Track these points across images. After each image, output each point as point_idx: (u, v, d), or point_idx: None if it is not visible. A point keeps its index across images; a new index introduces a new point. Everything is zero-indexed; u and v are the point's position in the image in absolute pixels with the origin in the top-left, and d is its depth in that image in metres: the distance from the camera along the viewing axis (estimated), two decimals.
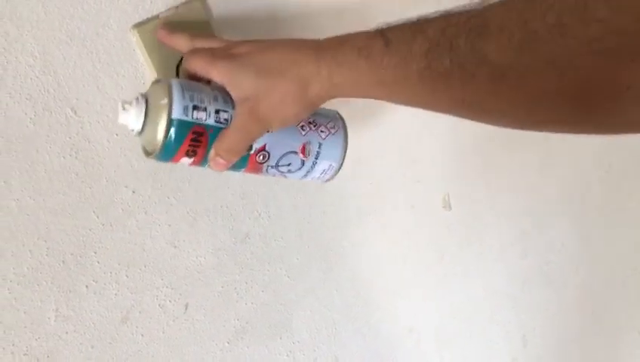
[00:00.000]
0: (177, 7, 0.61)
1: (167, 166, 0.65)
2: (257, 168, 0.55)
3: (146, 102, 0.51)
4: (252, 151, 0.54)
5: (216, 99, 0.52)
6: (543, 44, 0.37)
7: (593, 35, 0.35)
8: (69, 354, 0.62)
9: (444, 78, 0.42)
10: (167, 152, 0.50)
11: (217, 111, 0.51)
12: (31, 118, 0.56)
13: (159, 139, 0.49)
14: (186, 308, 0.70)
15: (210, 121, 0.50)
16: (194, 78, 0.54)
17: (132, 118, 0.51)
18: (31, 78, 0.55)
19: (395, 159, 0.89)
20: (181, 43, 0.57)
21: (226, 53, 0.53)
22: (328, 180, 0.60)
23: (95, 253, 0.62)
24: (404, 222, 0.94)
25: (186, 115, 0.49)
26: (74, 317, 0.62)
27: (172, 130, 0.49)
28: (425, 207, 0.96)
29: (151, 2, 0.60)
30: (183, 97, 0.50)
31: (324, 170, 0.58)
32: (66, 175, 0.59)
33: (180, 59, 0.62)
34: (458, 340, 1.12)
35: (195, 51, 0.55)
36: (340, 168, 0.59)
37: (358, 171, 0.84)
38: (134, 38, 0.59)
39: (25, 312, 0.59)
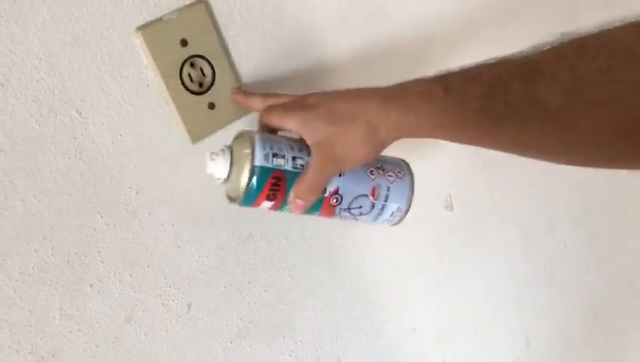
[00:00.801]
0: (181, 9, 0.62)
1: (169, 167, 0.65)
2: (331, 211, 0.59)
3: (231, 152, 0.56)
4: (326, 195, 0.57)
5: (292, 147, 0.56)
6: (592, 87, 0.40)
7: (638, 77, 0.37)
8: (73, 353, 0.63)
9: (499, 119, 0.46)
10: (250, 197, 0.55)
11: (294, 158, 0.56)
12: (36, 120, 0.57)
13: (243, 185, 0.54)
14: (189, 308, 0.71)
15: (288, 167, 0.55)
16: (270, 131, 0.60)
17: (219, 168, 0.56)
18: (36, 80, 0.56)
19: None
20: (256, 102, 0.63)
21: (298, 105, 0.58)
22: (397, 223, 0.64)
23: (99, 252, 0.63)
24: (406, 221, 0.94)
25: (267, 162, 0.54)
26: (78, 316, 0.62)
27: (255, 177, 0.54)
28: (427, 208, 0.96)
29: (155, 5, 0.60)
30: (264, 147, 0.55)
31: (392, 212, 0.62)
32: (70, 175, 0.59)
33: (184, 60, 0.63)
34: (460, 340, 1.13)
35: (270, 107, 0.60)
36: (407, 211, 0.63)
37: None
38: (138, 41, 0.60)
39: (30, 311, 0.59)
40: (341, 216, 0.60)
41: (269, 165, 0.54)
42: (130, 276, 0.65)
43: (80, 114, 0.59)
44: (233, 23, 0.66)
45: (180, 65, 0.63)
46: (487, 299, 1.15)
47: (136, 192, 0.64)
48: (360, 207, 0.60)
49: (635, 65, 0.38)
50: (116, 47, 0.59)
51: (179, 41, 0.62)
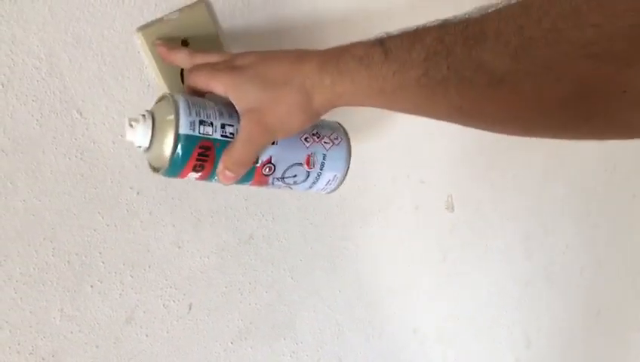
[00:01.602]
0: (181, 9, 0.62)
1: None
2: (264, 181, 0.56)
3: (153, 118, 0.52)
4: (258, 164, 0.54)
5: (221, 113, 0.52)
6: (539, 50, 0.37)
7: (588, 40, 0.35)
8: (74, 354, 0.63)
9: (442, 85, 0.43)
10: (175, 168, 0.51)
11: (223, 126, 0.52)
12: (37, 120, 0.56)
13: (167, 154, 0.50)
14: (190, 308, 0.71)
15: (217, 135, 0.51)
16: (197, 93, 0.55)
17: (139, 135, 0.51)
18: (37, 80, 0.56)
19: (399, 160, 0.89)
20: (181, 59, 0.58)
21: (227, 66, 0.54)
22: (332, 191, 0.61)
23: (100, 253, 0.63)
24: (407, 223, 0.94)
25: (193, 130, 0.50)
26: (79, 316, 0.62)
27: (179, 146, 0.50)
28: (428, 208, 0.96)
29: (155, 5, 0.60)
30: (190, 113, 0.50)
31: (328, 181, 0.59)
32: (71, 176, 0.59)
33: None
34: (462, 341, 1.13)
35: (196, 67, 0.56)
36: (344, 179, 0.60)
37: (362, 172, 0.84)
38: (139, 41, 0.60)
39: (30, 312, 0.59)
40: (274, 185, 0.57)
41: (196, 133, 0.50)
42: (131, 277, 0.65)
43: (81, 114, 0.59)
44: (234, 22, 0.66)
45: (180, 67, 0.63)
46: (488, 299, 1.15)
47: (137, 193, 0.64)
48: (294, 176, 0.57)
49: (583, 27, 0.35)
50: (117, 47, 0.59)
51: (179, 41, 0.62)
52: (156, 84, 0.62)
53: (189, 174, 0.52)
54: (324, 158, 0.58)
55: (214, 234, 0.71)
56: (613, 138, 0.40)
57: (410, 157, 0.91)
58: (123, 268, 0.64)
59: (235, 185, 0.56)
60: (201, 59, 0.57)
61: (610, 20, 0.34)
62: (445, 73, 0.42)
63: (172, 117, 0.50)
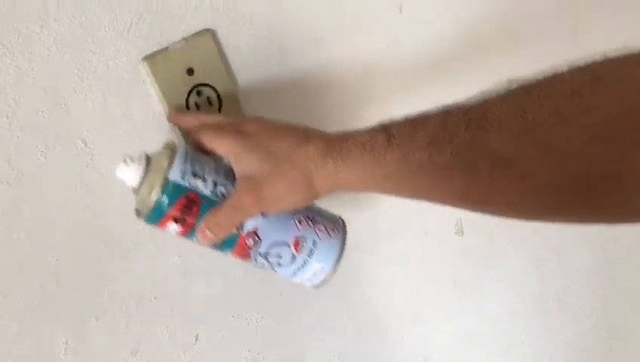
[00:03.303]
0: (187, 38, 0.62)
1: None
2: (245, 253, 0.54)
3: (148, 160, 0.51)
4: (243, 232, 0.52)
5: (217, 172, 0.52)
6: (543, 133, 0.36)
7: (592, 122, 0.34)
8: None
9: (446, 170, 0.42)
10: (156, 213, 0.49)
11: (215, 184, 0.51)
12: (42, 151, 0.56)
13: (152, 197, 0.49)
14: (197, 339, 0.70)
15: (207, 192, 0.50)
16: (201, 151, 0.55)
17: (130, 174, 0.50)
18: (42, 111, 0.56)
19: None
20: (190, 121, 0.59)
21: (234, 129, 0.53)
22: (318, 286, 0.57)
23: (105, 284, 0.62)
24: (416, 248, 0.93)
25: (182, 179, 0.49)
26: (84, 350, 0.61)
27: (165, 191, 0.49)
28: (438, 233, 0.95)
29: (160, 35, 0.60)
30: (184, 161, 0.50)
31: (315, 272, 0.55)
32: (76, 207, 0.59)
33: (190, 89, 0.62)
34: None
35: (203, 125, 0.56)
36: (332, 274, 0.56)
37: (370, 197, 0.83)
38: (144, 70, 0.60)
39: (35, 345, 0.58)
40: (257, 262, 0.54)
41: (184, 183, 0.49)
42: (137, 308, 0.64)
43: (86, 144, 0.58)
44: (240, 50, 0.66)
45: (186, 95, 0.63)
46: (500, 324, 1.13)
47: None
48: (279, 257, 0.53)
49: (586, 109, 0.35)
50: (122, 77, 0.59)
51: (185, 70, 0.62)
52: (161, 113, 0.62)
53: (169, 224, 0.50)
54: (313, 245, 0.54)
55: (220, 264, 0.70)
56: (622, 222, 0.39)
57: None
58: (128, 299, 0.63)
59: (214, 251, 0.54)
60: (209, 120, 0.57)
61: (614, 102, 0.34)
62: (449, 158, 0.41)
63: (166, 162, 0.49)
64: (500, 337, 1.14)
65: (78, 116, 0.58)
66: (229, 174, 0.52)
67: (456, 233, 0.97)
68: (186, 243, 0.64)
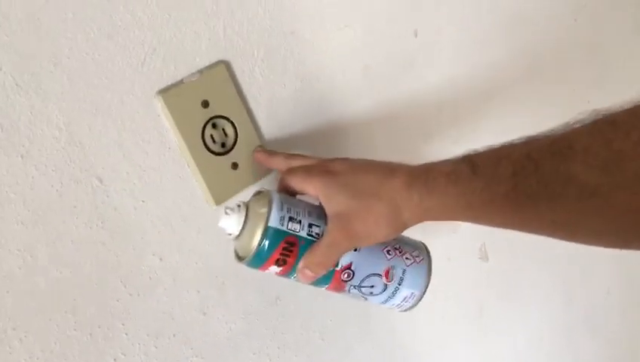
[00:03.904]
0: (201, 71, 0.61)
1: (193, 231, 0.63)
2: (340, 286, 0.56)
3: (247, 209, 0.54)
4: (338, 268, 0.54)
5: (310, 213, 0.54)
6: (630, 162, 0.38)
7: None
8: None
9: (532, 199, 0.43)
10: (259, 258, 0.53)
11: (310, 225, 0.53)
12: (57, 190, 0.55)
13: (254, 244, 0.52)
14: None
15: (303, 233, 0.53)
16: (289, 193, 0.58)
17: (232, 223, 0.54)
18: (56, 150, 0.55)
19: None
20: (278, 162, 0.62)
21: (321, 170, 0.56)
22: (408, 309, 0.60)
23: (123, 324, 0.60)
24: (440, 275, 0.90)
25: (282, 225, 0.52)
26: None
27: (267, 237, 0.52)
28: (461, 259, 0.92)
29: (174, 68, 0.59)
30: (281, 208, 0.53)
31: (405, 298, 0.58)
32: (92, 245, 0.58)
33: (205, 122, 0.61)
34: None
35: (291, 169, 0.59)
36: (421, 297, 0.59)
37: None
38: (159, 104, 0.59)
39: None
40: (350, 293, 0.57)
41: (284, 228, 0.52)
42: (156, 347, 0.62)
43: (101, 181, 0.57)
44: (255, 81, 0.65)
45: (201, 127, 0.62)
46: (528, 352, 1.09)
47: (160, 259, 0.62)
48: (371, 287, 0.56)
49: None
50: (137, 111, 0.58)
51: (200, 103, 0.61)
52: (177, 147, 0.61)
53: (271, 267, 0.54)
54: (403, 273, 0.57)
55: (240, 298, 0.68)
56: None
57: None
58: (147, 338, 0.62)
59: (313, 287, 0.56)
60: (297, 162, 0.60)
61: None
62: (535, 188, 0.43)
63: (265, 210, 0.52)
64: None
65: (93, 153, 0.57)
66: (321, 214, 0.54)
67: (480, 258, 0.95)
68: (204, 278, 0.63)
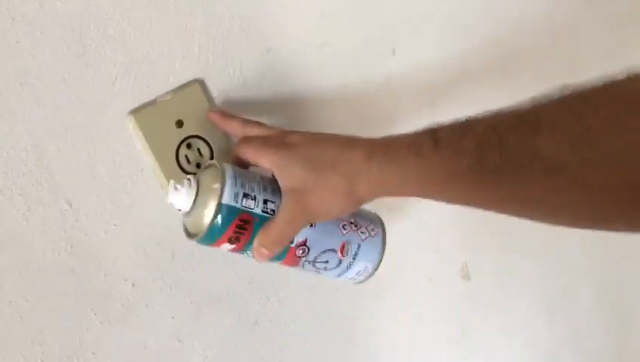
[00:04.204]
0: (174, 90, 0.59)
1: (167, 254, 0.61)
2: (295, 262, 0.55)
3: (198, 184, 0.52)
4: (293, 245, 0.53)
5: (265, 188, 0.52)
6: (600, 138, 0.36)
7: None
8: None
9: (496, 173, 0.42)
10: (212, 236, 0.51)
11: (265, 201, 0.52)
12: (23, 214, 0.53)
13: (206, 222, 0.50)
14: None
15: (258, 210, 0.51)
16: (243, 164, 0.55)
17: (182, 199, 0.51)
18: (23, 173, 0.53)
19: (408, 227, 0.85)
20: (234, 127, 0.59)
21: (277, 142, 0.54)
22: (361, 282, 0.60)
23: (93, 353, 0.58)
24: (421, 295, 0.89)
25: (236, 202, 0.50)
26: None
27: (220, 215, 0.49)
28: (443, 279, 0.91)
29: (147, 87, 0.58)
30: (235, 184, 0.51)
31: (359, 272, 0.58)
32: (61, 272, 0.55)
33: (180, 142, 0.60)
34: None
35: (246, 138, 0.56)
36: (374, 271, 0.59)
37: None
38: (131, 125, 0.57)
39: None
40: (304, 268, 0.56)
41: (238, 205, 0.50)
42: None
43: (70, 205, 0.55)
44: (230, 100, 0.63)
45: (175, 148, 0.60)
46: None
47: (133, 285, 0.60)
48: (326, 262, 0.56)
49: None
50: (108, 133, 0.57)
51: (174, 123, 0.60)
52: (151, 168, 0.59)
53: (224, 245, 0.52)
54: (358, 248, 0.56)
55: (217, 324, 0.66)
56: None
57: (419, 224, 0.86)
58: None
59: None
60: (253, 131, 0.57)
61: None
62: (498, 162, 0.41)
63: (218, 185, 0.50)
64: None
65: (62, 176, 0.55)
66: (276, 188, 0.53)
67: (462, 278, 0.94)
68: (179, 303, 0.61)
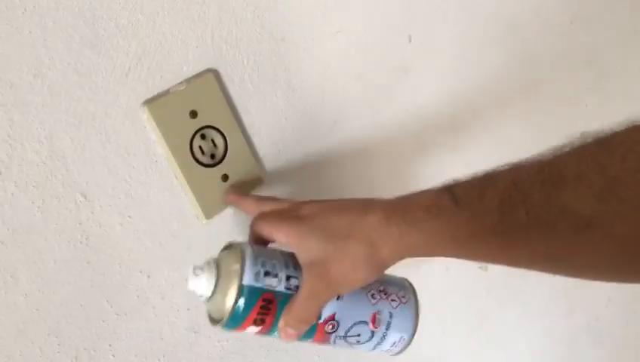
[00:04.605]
0: (189, 80, 0.59)
1: (183, 247, 0.61)
2: (325, 338, 0.52)
3: (217, 267, 0.50)
4: (321, 321, 0.51)
5: (287, 264, 0.50)
6: (627, 189, 0.35)
7: None
8: None
9: (522, 232, 0.40)
10: (236, 319, 0.48)
11: (288, 278, 0.49)
12: (38, 207, 0.53)
13: (228, 306, 0.48)
14: None
15: (281, 288, 0.49)
16: (261, 241, 0.54)
17: (202, 284, 0.49)
18: (37, 165, 0.52)
19: None
20: (248, 206, 0.59)
21: (292, 216, 0.52)
22: (398, 353, 0.56)
23: (110, 345, 0.58)
24: (438, 285, 0.88)
25: (257, 281, 0.48)
26: None
27: (242, 297, 0.47)
28: (460, 269, 0.90)
29: (161, 77, 0.57)
30: (255, 263, 0.49)
31: (394, 342, 0.55)
32: (76, 264, 0.55)
33: (194, 133, 0.59)
34: None
35: (262, 214, 0.55)
36: (411, 341, 0.55)
37: None
38: (145, 115, 0.57)
39: None
40: (335, 344, 0.53)
41: (259, 285, 0.48)
42: None
43: (85, 197, 0.55)
44: (244, 90, 0.63)
45: (190, 138, 0.59)
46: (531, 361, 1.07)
47: (148, 276, 0.59)
48: (358, 336, 0.53)
49: None
50: (122, 123, 0.56)
51: (188, 113, 0.59)
52: (165, 159, 0.59)
53: (249, 328, 0.49)
54: (390, 317, 0.53)
55: None
56: None
57: None
58: (135, 359, 0.59)
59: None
60: (268, 206, 0.56)
61: None
62: (524, 220, 0.40)
63: (238, 266, 0.48)
64: None
65: (77, 167, 0.54)
66: (298, 263, 0.50)
67: (479, 267, 0.93)
68: (194, 295, 0.60)
